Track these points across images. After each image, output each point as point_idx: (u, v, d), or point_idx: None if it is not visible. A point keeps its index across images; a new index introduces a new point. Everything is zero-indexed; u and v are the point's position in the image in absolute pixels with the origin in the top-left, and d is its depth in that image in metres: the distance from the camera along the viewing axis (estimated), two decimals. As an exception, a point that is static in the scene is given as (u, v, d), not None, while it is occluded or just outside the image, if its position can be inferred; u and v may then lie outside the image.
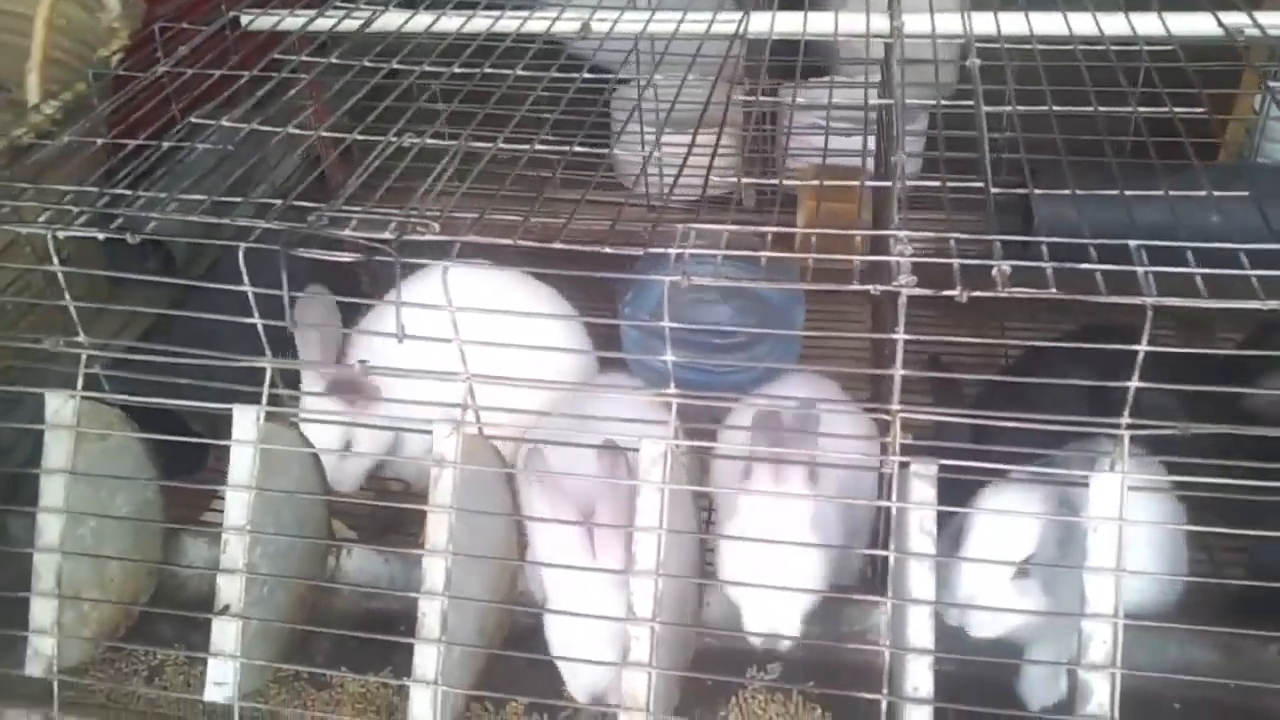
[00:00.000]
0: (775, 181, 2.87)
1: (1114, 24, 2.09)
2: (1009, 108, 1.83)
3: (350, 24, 2.25)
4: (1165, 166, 1.70)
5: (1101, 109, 1.80)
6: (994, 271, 1.39)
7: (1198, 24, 2.09)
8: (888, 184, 1.65)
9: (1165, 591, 1.75)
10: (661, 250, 1.50)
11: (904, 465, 1.51)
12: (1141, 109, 1.80)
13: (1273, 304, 1.35)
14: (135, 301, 2.40)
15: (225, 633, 1.63)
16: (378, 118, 1.88)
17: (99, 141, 1.90)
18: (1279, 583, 1.48)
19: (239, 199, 1.64)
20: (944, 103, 1.83)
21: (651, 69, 2.07)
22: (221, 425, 1.71)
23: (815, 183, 1.98)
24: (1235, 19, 2.07)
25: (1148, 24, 2.09)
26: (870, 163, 2.71)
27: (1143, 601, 1.69)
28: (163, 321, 2.38)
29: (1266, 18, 2.03)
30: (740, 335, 2.30)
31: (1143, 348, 1.38)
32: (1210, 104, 1.85)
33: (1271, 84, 2.30)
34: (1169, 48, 2.01)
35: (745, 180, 1.88)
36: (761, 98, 2.15)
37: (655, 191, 2.92)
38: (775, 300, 2.43)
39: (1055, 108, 1.79)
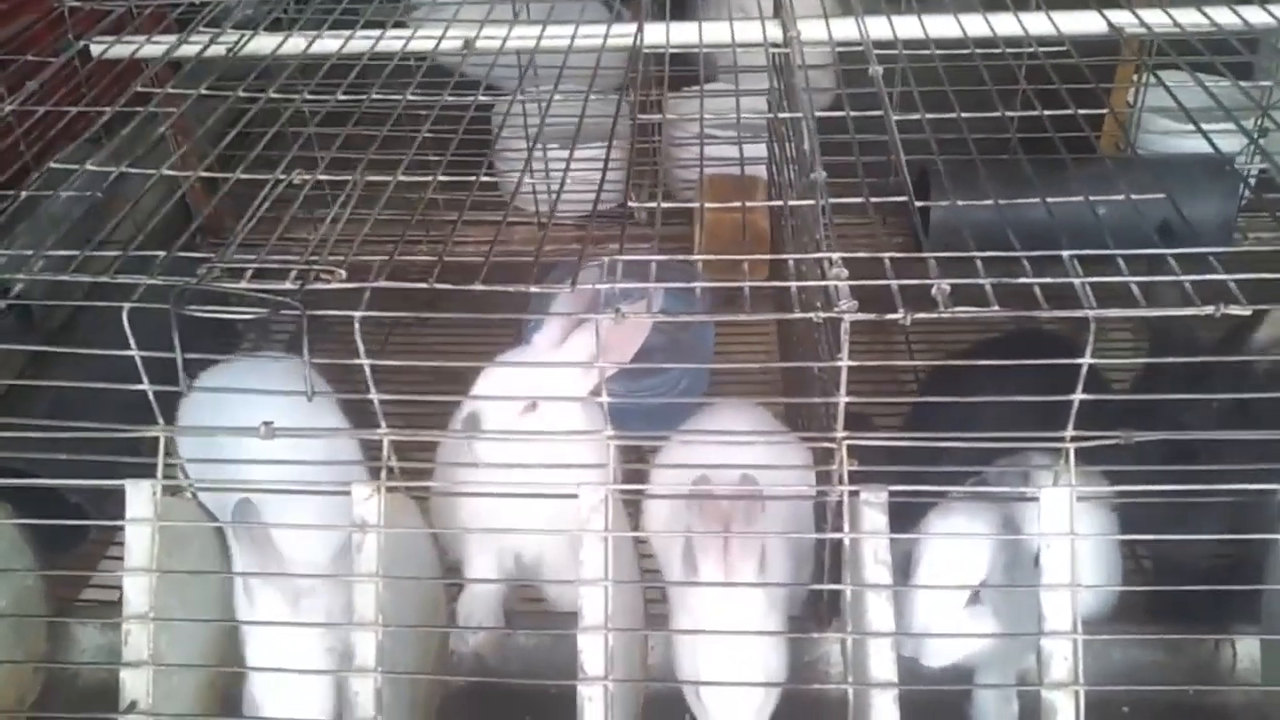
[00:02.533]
0: (687, 204, 2.81)
1: (1004, 24, 2.10)
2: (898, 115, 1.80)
3: (217, 49, 2.09)
4: (1047, 164, 1.72)
5: (966, 114, 1.79)
6: (934, 291, 1.36)
7: (1078, 23, 2.12)
8: (810, 202, 1.59)
9: (1104, 599, 1.76)
10: (590, 286, 1.43)
11: (853, 494, 1.46)
12: (1010, 113, 1.82)
13: (1207, 310, 1.34)
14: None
15: (133, 734, 1.48)
16: (248, 148, 1.74)
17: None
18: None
19: (113, 253, 1.49)
20: (853, 114, 1.80)
21: (538, 85, 2.00)
22: (105, 496, 1.55)
23: (736, 204, 1.92)
24: (1119, 17, 2.11)
25: (1035, 24, 2.11)
26: (761, 170, 2.70)
27: (1085, 611, 1.69)
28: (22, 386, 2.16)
29: (1150, 15, 2.07)
30: (655, 358, 2.23)
31: (1087, 360, 1.37)
32: (1093, 99, 1.89)
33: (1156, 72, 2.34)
34: (1052, 48, 2.03)
35: (665, 204, 1.79)
36: (661, 114, 2.10)
37: (544, 209, 2.83)
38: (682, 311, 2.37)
39: (928, 115, 1.78)
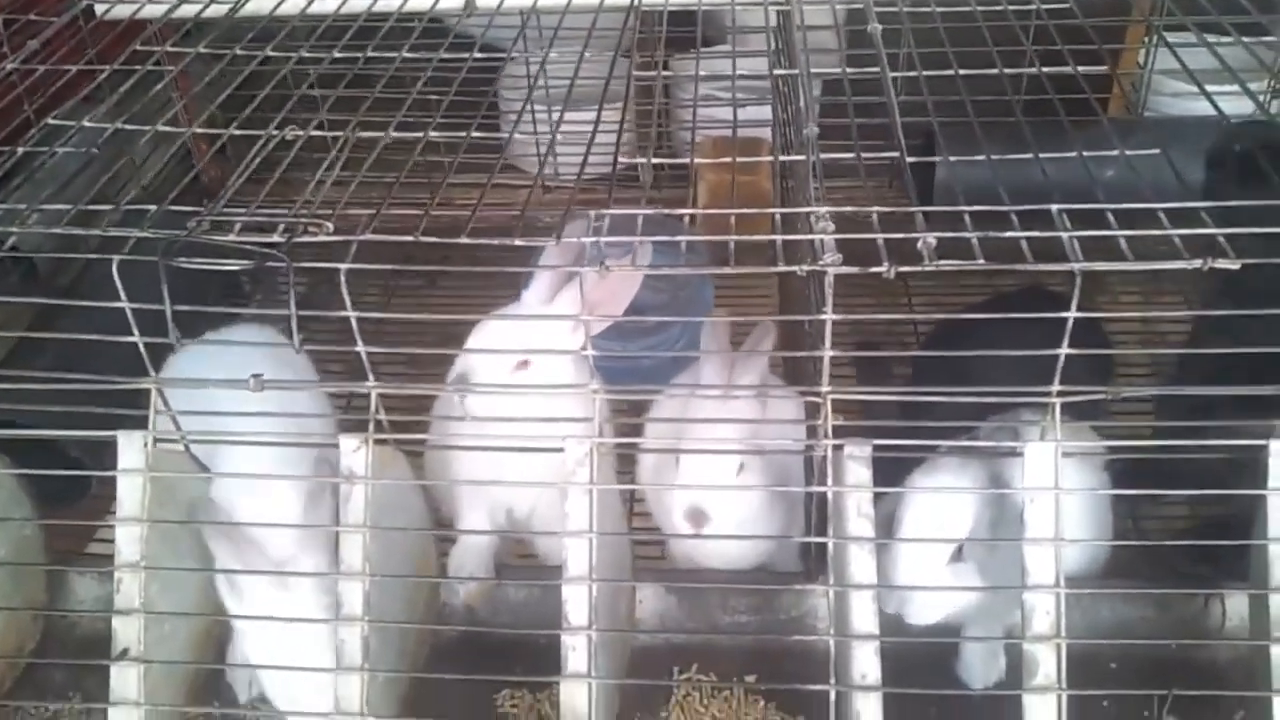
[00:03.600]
0: (685, 161, 2.80)
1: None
2: (900, 73, 1.79)
3: (218, 9, 2.09)
4: (1053, 125, 1.70)
5: (965, 71, 1.77)
6: (919, 244, 1.35)
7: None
8: (800, 158, 1.59)
9: (1095, 556, 1.76)
10: (575, 240, 1.43)
11: (837, 448, 1.46)
12: (1007, 70, 1.79)
13: (1195, 263, 1.33)
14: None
15: (125, 679, 1.50)
16: (254, 109, 1.74)
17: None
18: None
19: (109, 206, 1.50)
20: (848, 70, 1.79)
21: (542, 45, 1.99)
22: (104, 449, 1.57)
23: (727, 159, 1.91)
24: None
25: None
26: (768, 132, 2.69)
27: (1075, 568, 1.69)
28: (29, 341, 2.20)
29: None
30: (652, 318, 2.23)
31: (1072, 314, 1.36)
32: (1099, 61, 1.86)
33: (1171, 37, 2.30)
34: (1060, 5, 2.00)
35: (654, 159, 1.80)
36: (663, 72, 2.08)
37: (548, 172, 2.82)
38: (683, 280, 2.37)
39: (927, 73, 1.76)
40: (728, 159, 1.92)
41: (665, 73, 2.46)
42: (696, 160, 1.85)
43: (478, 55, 1.89)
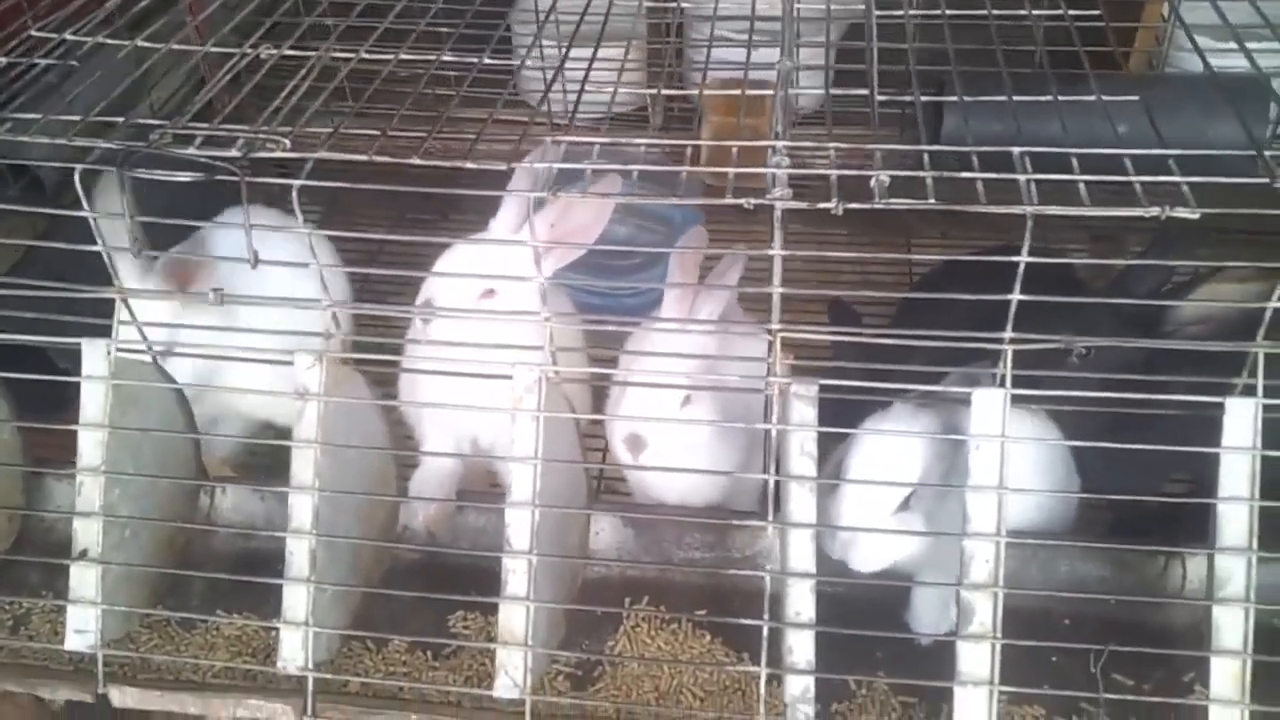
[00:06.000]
0: (685, 94, 2.77)
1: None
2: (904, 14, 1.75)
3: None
4: (1065, 77, 1.65)
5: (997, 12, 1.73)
6: (872, 182, 1.33)
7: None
8: (769, 93, 1.56)
9: (1061, 514, 1.74)
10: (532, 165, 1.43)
11: (785, 387, 1.46)
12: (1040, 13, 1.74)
13: (1153, 210, 1.30)
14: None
15: (84, 578, 1.55)
16: (267, 37, 1.75)
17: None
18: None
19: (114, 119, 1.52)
20: (836, 7, 1.75)
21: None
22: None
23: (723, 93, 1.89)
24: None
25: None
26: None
27: (1036, 523, 1.67)
28: (30, 253, 2.25)
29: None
30: (638, 256, 2.22)
31: (1023, 259, 1.34)
32: (1120, 11, 1.80)
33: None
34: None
35: (663, 90, 1.80)
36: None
37: (557, 109, 2.81)
38: (677, 221, 2.35)
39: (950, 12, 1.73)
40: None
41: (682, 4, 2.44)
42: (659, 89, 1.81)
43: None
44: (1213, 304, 1.70)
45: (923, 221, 2.61)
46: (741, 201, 1.36)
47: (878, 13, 1.73)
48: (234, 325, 1.62)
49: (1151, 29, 2.60)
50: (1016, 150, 1.38)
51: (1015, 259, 1.35)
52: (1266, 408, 1.40)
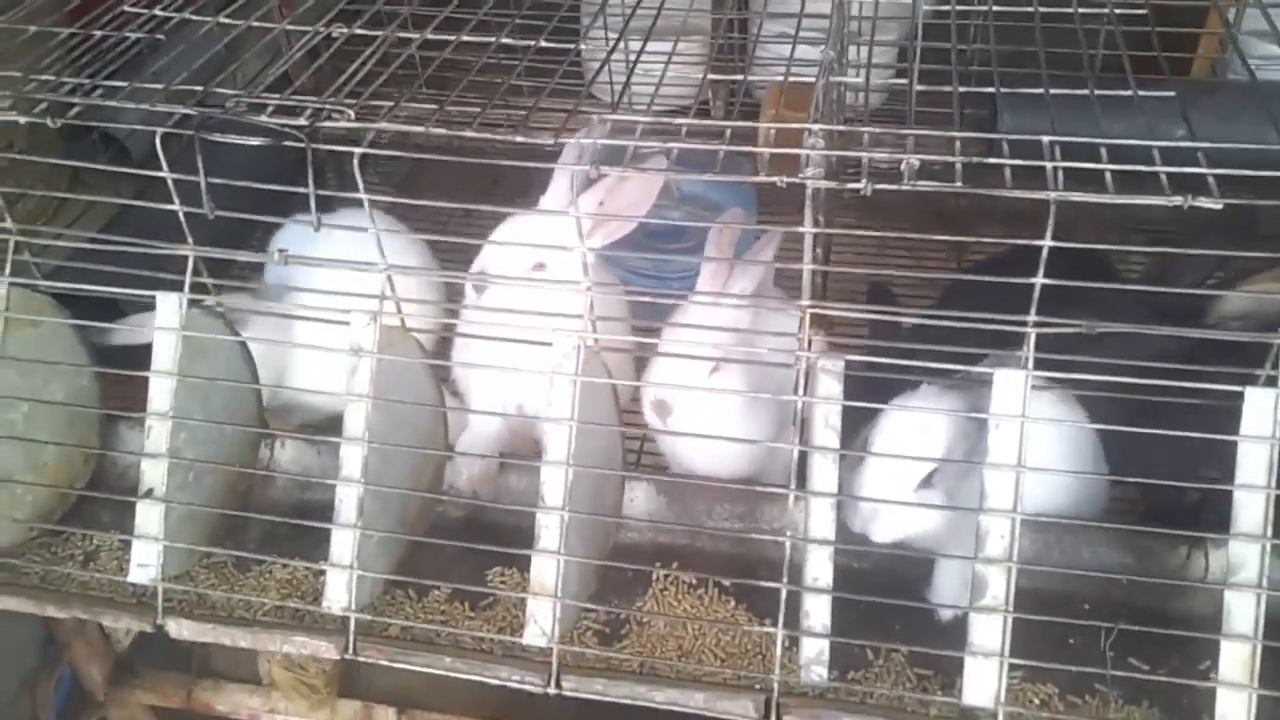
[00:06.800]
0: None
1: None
2: (979, 20, 1.79)
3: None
4: (1136, 82, 1.67)
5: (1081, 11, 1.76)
6: (902, 165, 1.38)
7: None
8: (811, 81, 1.62)
9: (1089, 503, 1.76)
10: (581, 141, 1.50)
11: (814, 362, 1.51)
12: (1112, 23, 1.77)
13: (1176, 200, 1.33)
14: (93, 194, 2.39)
15: (149, 516, 1.66)
16: (340, 18, 1.85)
17: (64, 32, 1.88)
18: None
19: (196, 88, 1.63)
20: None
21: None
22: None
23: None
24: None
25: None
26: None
27: (1062, 508, 1.70)
28: (122, 214, 2.38)
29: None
30: (688, 239, 2.29)
31: (1047, 243, 1.38)
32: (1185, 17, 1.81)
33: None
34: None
35: (712, 77, 1.86)
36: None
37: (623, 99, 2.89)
38: (724, 205, 2.41)
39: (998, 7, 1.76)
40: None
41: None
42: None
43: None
44: (1247, 296, 1.72)
45: (980, 218, 2.64)
46: (774, 179, 1.42)
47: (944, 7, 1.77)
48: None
49: (1215, 34, 2.60)
50: (1046, 139, 1.43)
51: (1043, 243, 1.39)
52: (1287, 398, 1.42)
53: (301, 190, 1.55)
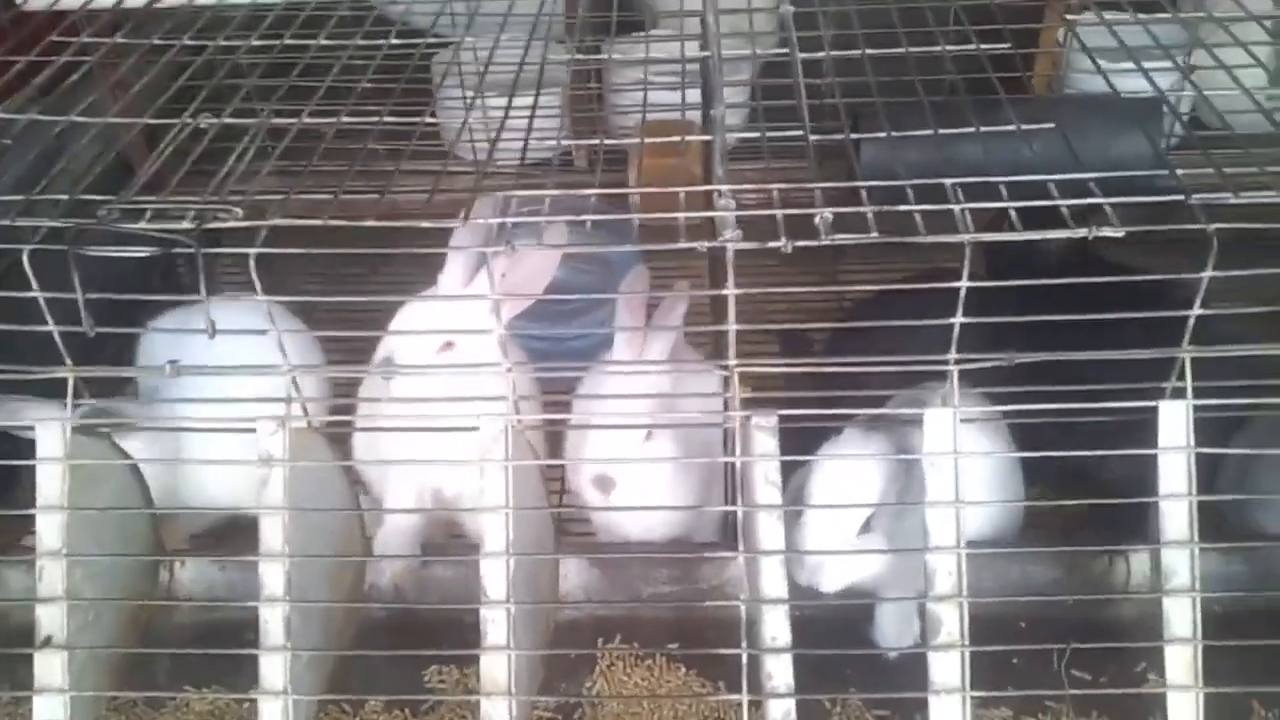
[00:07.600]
0: (597, 141, 2.81)
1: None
2: (824, 54, 1.82)
3: (135, 0, 2.09)
4: (978, 103, 1.73)
5: (913, 50, 1.81)
6: (816, 220, 1.39)
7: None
8: (708, 138, 1.62)
9: (1010, 520, 1.81)
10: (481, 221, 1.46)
11: (745, 419, 1.50)
12: (950, 48, 1.83)
13: (1080, 232, 1.38)
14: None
15: (50, 666, 1.52)
16: (179, 99, 1.75)
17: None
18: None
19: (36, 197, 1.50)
20: (760, 52, 1.82)
21: (466, 30, 2.01)
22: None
23: (636, 140, 1.94)
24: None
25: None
26: (698, 116, 2.72)
27: (986, 531, 1.74)
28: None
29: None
30: (579, 300, 2.26)
31: (963, 284, 1.41)
32: (1017, 39, 1.90)
33: (1072, 17, 2.36)
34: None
35: (570, 141, 1.85)
36: (581, 55, 2.10)
37: (482, 159, 2.84)
38: (614, 261, 2.40)
39: (869, 51, 1.80)
40: (654, 141, 1.97)
41: (598, 56, 2.49)
42: (610, 143, 1.86)
43: (394, 41, 1.90)
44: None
45: (856, 252, 2.69)
46: (695, 245, 1.41)
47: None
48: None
49: (1050, 54, 2.74)
50: (949, 181, 1.46)
51: (953, 285, 1.42)
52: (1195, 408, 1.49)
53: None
